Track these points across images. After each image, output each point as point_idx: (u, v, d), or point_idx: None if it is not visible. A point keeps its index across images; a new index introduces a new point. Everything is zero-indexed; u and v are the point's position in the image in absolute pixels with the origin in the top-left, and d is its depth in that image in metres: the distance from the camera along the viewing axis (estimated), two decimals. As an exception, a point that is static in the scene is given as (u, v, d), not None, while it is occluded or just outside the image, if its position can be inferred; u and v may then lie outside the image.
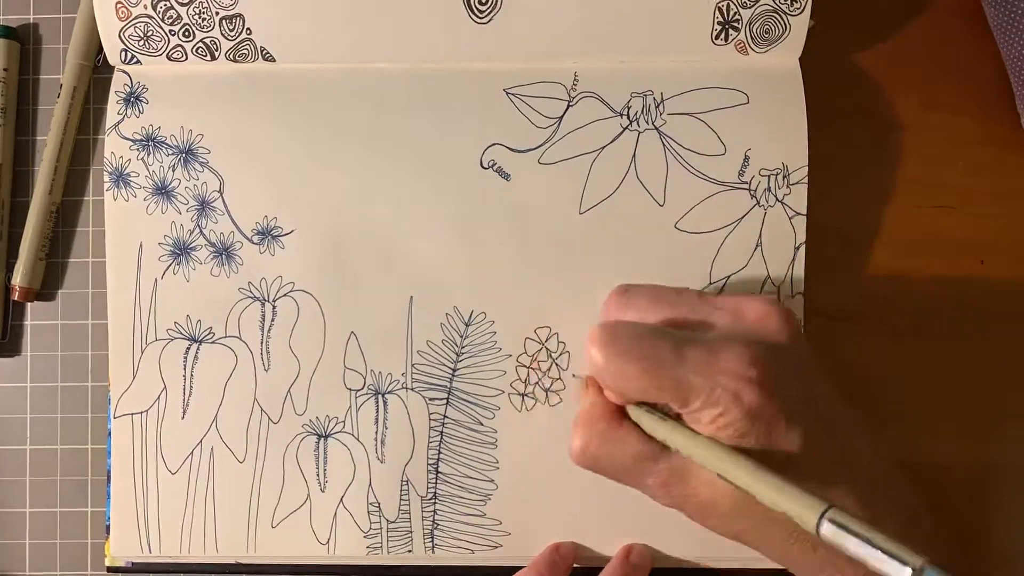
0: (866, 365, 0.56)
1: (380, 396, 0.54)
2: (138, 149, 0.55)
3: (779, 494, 0.39)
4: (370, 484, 0.54)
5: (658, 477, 0.45)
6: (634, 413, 0.45)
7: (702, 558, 0.54)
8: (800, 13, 0.53)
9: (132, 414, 0.55)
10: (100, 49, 0.56)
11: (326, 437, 0.54)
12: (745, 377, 0.42)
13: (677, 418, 0.44)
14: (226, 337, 0.55)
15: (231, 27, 0.54)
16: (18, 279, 0.57)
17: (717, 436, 0.42)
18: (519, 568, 0.53)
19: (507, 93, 0.55)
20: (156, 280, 0.55)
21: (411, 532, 0.54)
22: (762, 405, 0.42)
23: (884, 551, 0.36)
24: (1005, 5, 0.52)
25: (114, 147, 0.55)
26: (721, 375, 0.42)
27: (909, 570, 0.35)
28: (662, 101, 0.54)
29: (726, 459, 0.41)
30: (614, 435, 0.45)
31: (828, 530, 0.37)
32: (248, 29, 0.54)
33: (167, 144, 0.55)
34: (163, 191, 0.55)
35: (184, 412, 0.55)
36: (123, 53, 0.55)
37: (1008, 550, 0.56)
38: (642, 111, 0.54)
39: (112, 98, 0.55)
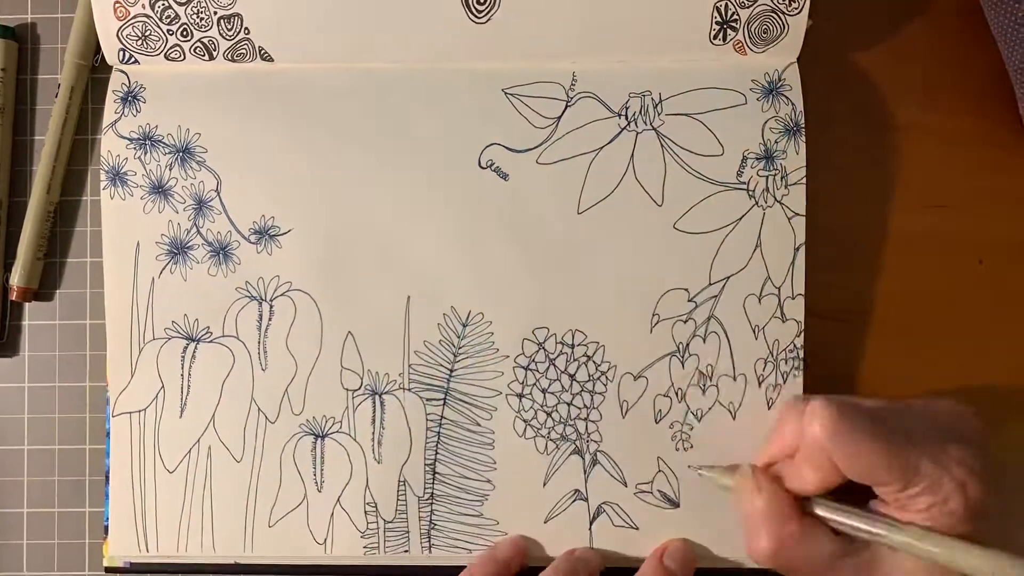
0: (866, 365, 0.56)
1: (377, 396, 0.54)
2: (135, 148, 0.55)
3: (998, 565, 0.42)
4: (367, 484, 0.54)
5: (853, 571, 0.46)
6: (822, 506, 0.46)
7: (699, 559, 0.54)
8: (798, 13, 0.53)
9: (130, 413, 0.55)
10: (98, 49, 0.56)
11: (323, 437, 0.54)
12: (972, 471, 0.43)
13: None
14: (223, 336, 0.55)
15: (229, 27, 0.54)
16: (16, 279, 0.57)
17: (926, 522, 0.44)
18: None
19: (505, 93, 0.55)
20: (153, 279, 0.55)
21: (408, 532, 0.54)
22: (981, 499, 0.43)
23: None
24: (1005, 8, 0.52)
25: (111, 146, 0.55)
26: (952, 465, 0.43)
27: None
28: (660, 101, 0.54)
29: (943, 543, 0.43)
30: (808, 535, 0.46)
31: None
32: (246, 29, 0.54)
33: (164, 143, 0.55)
34: (160, 190, 0.55)
35: (182, 411, 0.55)
36: (121, 53, 0.55)
37: (1008, 550, 0.56)
38: (640, 111, 0.54)
39: (109, 97, 0.55)
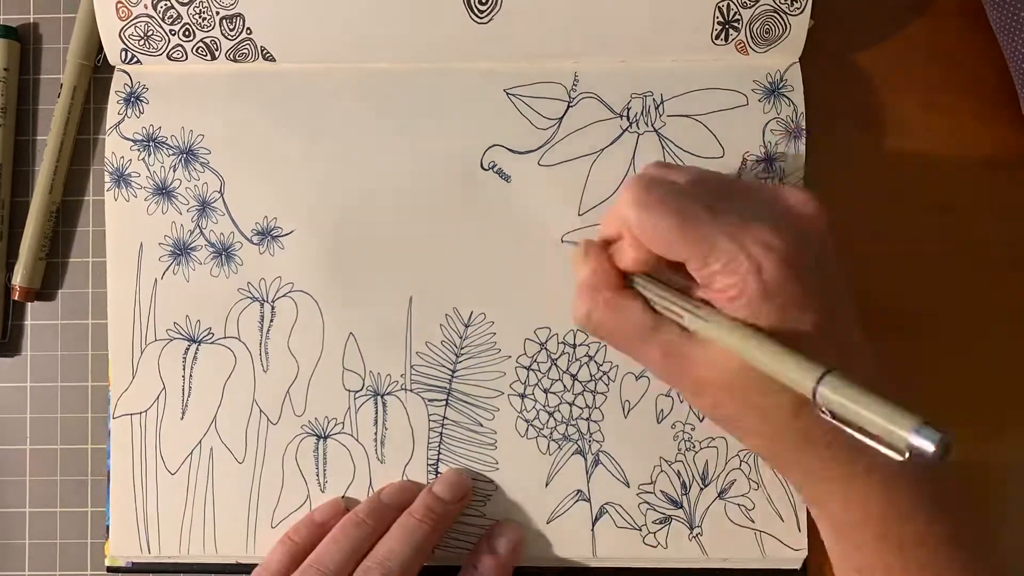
0: (866, 366, 0.56)
1: (379, 397, 0.54)
2: (139, 149, 0.55)
3: (779, 360, 0.39)
4: (370, 484, 0.54)
5: (658, 348, 0.45)
6: (640, 282, 0.46)
7: (700, 559, 0.54)
8: (800, 13, 0.53)
9: (132, 414, 0.55)
10: (100, 49, 0.56)
11: (325, 438, 0.54)
12: (771, 250, 0.42)
13: (683, 292, 0.45)
14: (225, 338, 0.55)
15: (231, 27, 0.54)
16: (18, 279, 0.57)
17: (726, 309, 0.43)
18: (519, 568, 0.54)
19: (507, 93, 0.55)
20: (156, 280, 0.55)
21: (411, 533, 0.54)
22: (780, 283, 0.41)
23: (880, 412, 0.36)
24: (1008, 8, 0.52)
25: (115, 147, 0.55)
26: (749, 243, 0.42)
27: (907, 430, 0.34)
28: (662, 102, 0.54)
29: (731, 328, 0.41)
30: (618, 303, 0.46)
31: (825, 392, 0.37)
32: (248, 29, 0.54)
33: (168, 144, 0.55)
34: (163, 191, 0.55)
35: (183, 412, 0.55)
36: (123, 53, 0.55)
37: (1008, 550, 0.56)
38: (642, 112, 0.54)
39: (112, 98, 0.56)
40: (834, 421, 0.38)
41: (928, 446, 0.34)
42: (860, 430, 0.38)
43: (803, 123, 0.54)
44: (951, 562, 0.45)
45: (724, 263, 0.42)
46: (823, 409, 0.38)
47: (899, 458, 0.35)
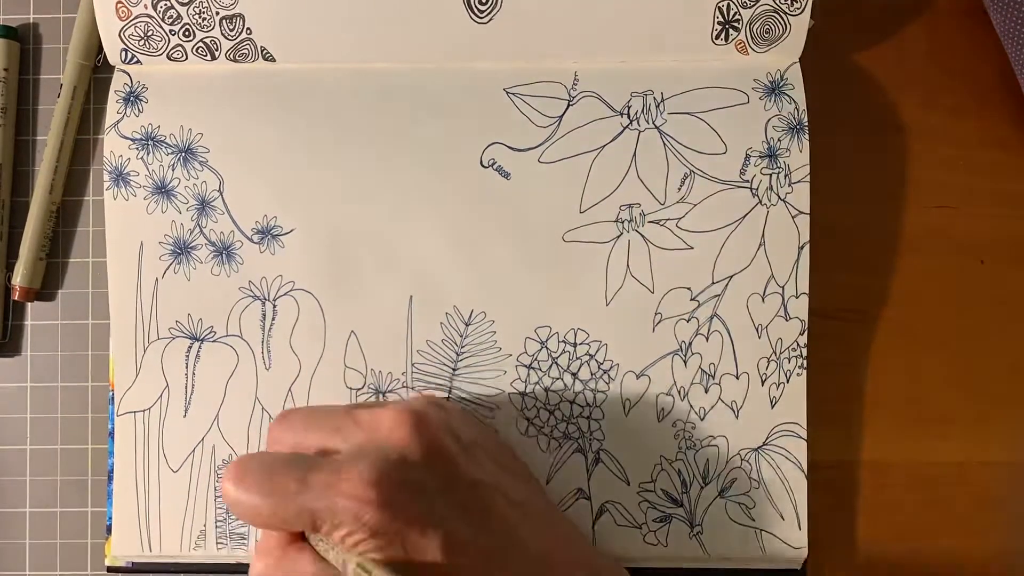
0: (866, 365, 0.56)
1: (380, 395, 0.54)
2: (137, 148, 0.55)
3: None
4: (370, 484, 0.54)
5: None
6: (312, 539, 0.45)
7: (701, 558, 0.54)
8: (800, 13, 0.53)
9: (135, 412, 0.55)
10: (100, 49, 0.56)
11: (327, 436, 0.54)
12: (364, 498, 0.42)
13: None
14: (227, 336, 0.55)
15: (231, 27, 0.55)
16: (18, 279, 0.57)
17: (354, 552, 0.43)
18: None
19: (507, 92, 0.55)
20: (157, 279, 0.55)
21: (412, 531, 0.54)
22: (384, 522, 0.42)
23: None
24: (1011, 8, 0.52)
25: (113, 146, 0.55)
26: (340, 498, 0.42)
27: None
28: (662, 100, 0.54)
29: (364, 570, 0.42)
30: (287, 560, 0.45)
31: None
32: (248, 29, 0.54)
33: (167, 143, 0.55)
34: (163, 190, 0.55)
35: (186, 411, 0.55)
36: (123, 53, 0.55)
37: (1008, 550, 0.56)
38: (642, 110, 0.54)
39: (112, 98, 0.55)
40: None
41: None
42: None
43: (805, 119, 0.54)
44: None
45: (329, 523, 0.42)
46: None
47: None
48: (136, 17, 0.54)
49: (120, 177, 0.55)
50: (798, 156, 0.54)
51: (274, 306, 0.55)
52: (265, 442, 0.53)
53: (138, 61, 0.56)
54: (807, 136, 0.54)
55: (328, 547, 0.44)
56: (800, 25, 0.53)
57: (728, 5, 0.53)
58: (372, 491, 0.42)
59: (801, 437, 0.54)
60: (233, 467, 0.44)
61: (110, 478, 0.55)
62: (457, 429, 0.48)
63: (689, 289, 0.54)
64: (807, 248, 0.54)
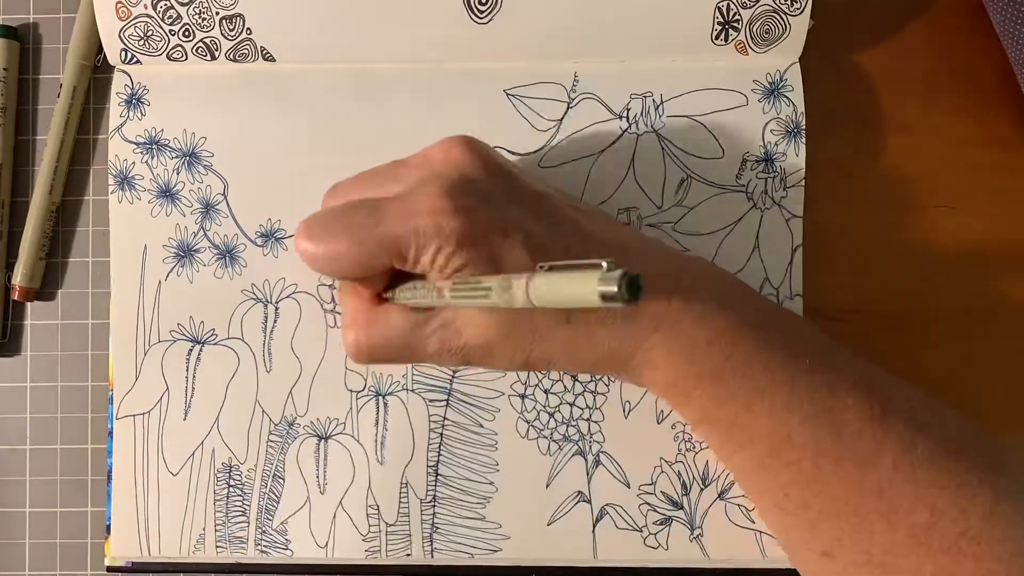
0: (866, 366, 0.56)
1: (381, 398, 0.54)
2: (142, 152, 0.55)
3: (505, 292, 0.39)
4: (369, 486, 0.54)
5: (435, 339, 0.45)
6: (393, 295, 0.45)
7: (701, 560, 0.54)
8: (800, 13, 0.53)
9: (134, 415, 0.55)
10: (100, 49, 0.56)
11: (327, 439, 0.54)
12: (441, 210, 0.42)
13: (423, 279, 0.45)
14: (228, 339, 0.55)
15: (231, 27, 0.54)
16: (18, 279, 0.57)
17: (447, 274, 0.43)
18: (519, 571, 0.54)
19: (507, 94, 0.55)
20: (160, 282, 0.55)
21: (410, 535, 0.54)
22: (466, 227, 0.42)
23: (577, 270, 0.35)
24: (1011, 7, 0.52)
25: (118, 150, 0.55)
26: (418, 218, 0.42)
27: (599, 276, 0.34)
28: (662, 103, 0.54)
29: (465, 288, 0.41)
30: (377, 318, 0.45)
31: (535, 288, 0.37)
32: (248, 29, 0.54)
33: (170, 147, 0.55)
34: (167, 194, 0.55)
35: (186, 413, 0.55)
36: (123, 53, 0.55)
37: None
38: (641, 113, 0.54)
39: (113, 100, 0.55)
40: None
41: (611, 288, 0.33)
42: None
43: (803, 123, 0.54)
44: (782, 367, 0.45)
45: (415, 246, 0.42)
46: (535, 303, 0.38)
47: (601, 304, 0.34)
48: (136, 17, 0.54)
49: (125, 180, 0.55)
50: (794, 160, 0.54)
51: (276, 309, 0.55)
52: (266, 452, 0.54)
53: (138, 61, 0.55)
54: (804, 140, 0.54)
55: (413, 291, 0.44)
56: (800, 25, 0.53)
57: (728, 5, 0.53)
58: (446, 202, 0.42)
59: (800, 438, 0.54)
60: (302, 226, 0.45)
61: (109, 479, 0.55)
62: (502, 156, 0.48)
63: (687, 291, 0.54)
64: (800, 250, 0.54)
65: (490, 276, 0.40)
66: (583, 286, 0.34)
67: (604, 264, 0.34)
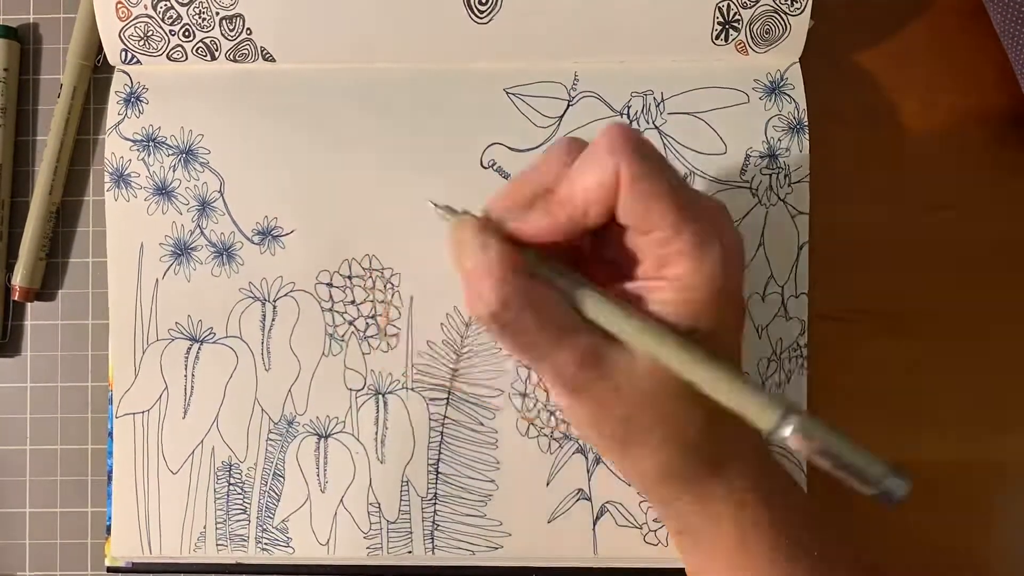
0: (866, 365, 0.56)
1: (380, 396, 0.54)
2: (138, 149, 0.55)
3: (739, 394, 0.37)
4: (370, 485, 0.54)
5: (574, 352, 0.39)
6: (547, 271, 0.40)
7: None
8: (800, 13, 0.53)
9: (134, 414, 0.55)
10: (100, 49, 0.56)
11: (326, 437, 0.54)
12: (734, 246, 0.39)
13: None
14: (227, 337, 0.55)
15: (231, 27, 0.54)
16: (18, 279, 0.57)
17: (660, 298, 0.39)
18: (520, 569, 0.54)
19: (507, 93, 0.55)
20: (157, 280, 0.55)
21: (411, 533, 0.54)
22: (734, 285, 0.39)
23: (852, 460, 0.36)
24: (1011, 7, 0.52)
25: (114, 147, 0.55)
26: (723, 231, 0.39)
27: (881, 476, 0.34)
28: (662, 100, 0.54)
29: (678, 346, 0.38)
30: (537, 294, 0.39)
31: (797, 433, 0.36)
32: (248, 29, 0.54)
33: (167, 144, 0.55)
34: (164, 191, 0.55)
35: (185, 412, 0.55)
36: (123, 53, 0.55)
37: (1008, 550, 0.56)
38: (642, 110, 0.54)
39: (112, 98, 0.55)
40: (815, 457, 0.38)
41: (900, 490, 0.34)
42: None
43: (805, 119, 0.54)
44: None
45: (695, 244, 0.38)
46: (785, 443, 0.37)
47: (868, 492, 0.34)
48: (136, 17, 0.54)
49: (121, 178, 0.55)
50: (798, 156, 0.54)
51: (274, 307, 0.55)
52: (265, 450, 0.54)
53: (138, 61, 0.56)
54: (807, 136, 0.54)
55: (575, 288, 0.40)
56: (800, 25, 0.53)
57: (728, 5, 0.53)
58: (729, 219, 0.40)
59: (801, 437, 0.53)
60: (627, 130, 0.39)
61: (109, 479, 0.55)
62: None
63: (689, 289, 0.54)
64: (807, 248, 0.54)
65: (730, 374, 0.38)
66: (867, 468, 0.36)
67: (885, 466, 0.35)
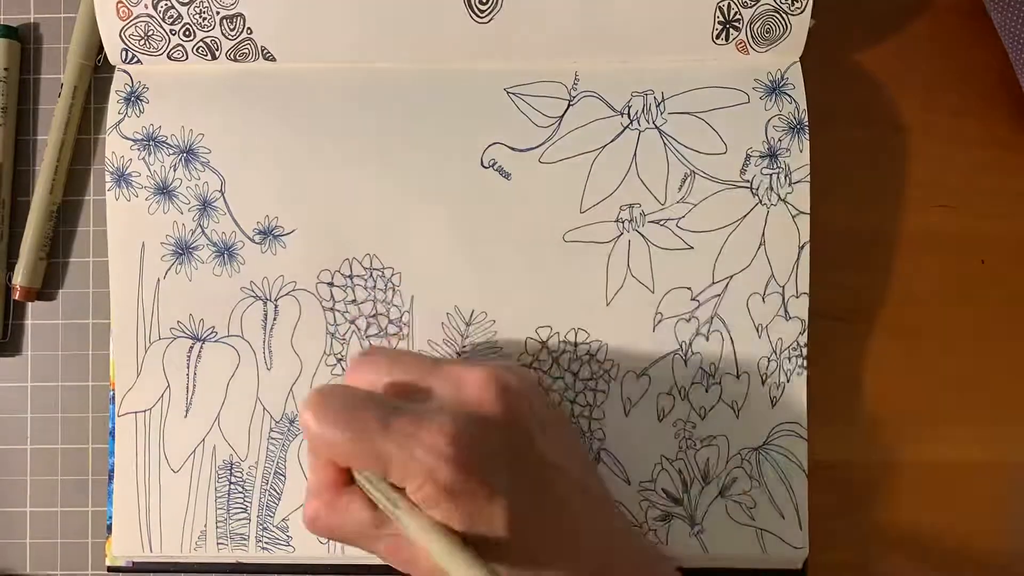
0: (866, 365, 0.56)
1: (381, 395, 0.54)
2: (139, 149, 0.55)
3: (451, 559, 0.40)
4: (371, 484, 0.54)
5: (386, 543, 0.44)
6: (359, 479, 0.44)
7: (701, 557, 0.54)
8: (801, 13, 0.53)
9: (135, 412, 0.55)
10: (101, 48, 0.56)
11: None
12: (442, 454, 0.41)
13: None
14: (228, 336, 0.55)
15: (232, 26, 0.54)
16: (19, 279, 0.57)
17: (423, 508, 0.42)
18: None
19: (508, 92, 0.55)
20: (158, 280, 0.55)
21: (412, 532, 0.54)
22: (456, 483, 0.41)
23: None
24: (1012, 7, 0.52)
25: (115, 147, 0.55)
26: (419, 448, 0.41)
27: None
28: (663, 100, 0.54)
29: (427, 532, 0.41)
30: (339, 505, 0.44)
31: None
32: (249, 29, 0.54)
33: (168, 144, 0.55)
34: (164, 191, 0.55)
35: (187, 411, 0.55)
36: (124, 52, 0.55)
37: (1009, 550, 0.56)
38: (643, 110, 0.54)
39: (112, 98, 0.55)
40: None
41: None
42: None
43: (806, 119, 0.54)
44: None
45: (401, 471, 0.42)
46: None
47: None
48: (136, 17, 0.54)
49: (122, 177, 0.55)
50: (798, 156, 0.54)
51: (275, 306, 0.55)
52: (267, 449, 0.54)
53: (138, 61, 0.56)
54: (807, 136, 0.54)
55: (376, 491, 0.43)
56: (801, 25, 0.53)
57: (729, 5, 0.53)
58: (451, 448, 0.41)
59: (802, 437, 0.54)
60: (315, 397, 0.43)
61: (111, 478, 0.55)
62: (535, 404, 0.47)
63: (689, 289, 0.54)
64: (807, 248, 0.54)
65: (449, 536, 0.41)
66: None
67: None
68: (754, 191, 0.54)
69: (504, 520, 0.42)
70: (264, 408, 0.54)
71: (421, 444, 0.41)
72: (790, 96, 0.54)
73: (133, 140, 0.55)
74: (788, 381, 0.54)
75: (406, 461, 0.41)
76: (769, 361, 0.54)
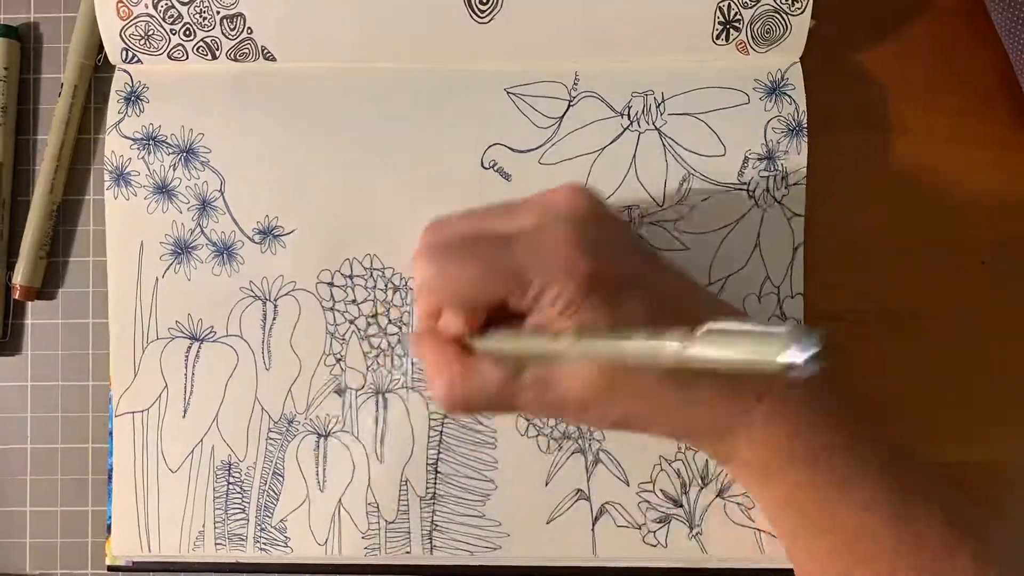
0: (866, 365, 0.56)
1: (380, 395, 0.54)
2: (138, 148, 0.55)
3: (640, 342, 0.38)
4: (369, 484, 0.54)
5: (529, 392, 0.43)
6: (485, 346, 0.43)
7: (700, 559, 0.54)
8: (801, 13, 0.53)
9: (133, 412, 0.55)
10: (101, 48, 0.56)
11: (326, 436, 0.54)
12: (571, 248, 0.41)
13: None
14: (227, 336, 0.55)
15: (232, 26, 0.54)
16: (19, 278, 0.57)
17: (562, 321, 0.41)
18: (519, 568, 0.54)
19: (508, 93, 0.55)
20: (157, 279, 0.55)
21: (409, 533, 0.54)
22: (595, 270, 0.41)
23: (755, 335, 0.35)
24: (1012, 8, 0.52)
25: (114, 146, 0.55)
26: (549, 252, 0.41)
27: (781, 343, 0.33)
28: (663, 101, 0.54)
29: (581, 340, 0.40)
30: (471, 368, 0.43)
31: (700, 345, 0.36)
32: (249, 28, 0.54)
33: (167, 143, 0.55)
34: (164, 190, 0.55)
35: (185, 411, 0.55)
36: (124, 52, 0.55)
37: (1010, 549, 0.56)
38: (643, 111, 0.54)
39: (113, 97, 0.56)
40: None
41: (801, 356, 0.33)
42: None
43: (805, 121, 0.54)
44: (865, 463, 0.45)
45: (540, 279, 0.41)
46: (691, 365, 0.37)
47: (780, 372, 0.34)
48: (137, 16, 0.54)
49: (121, 177, 0.55)
50: (796, 159, 0.54)
51: (275, 306, 0.55)
52: (265, 450, 0.54)
53: (139, 60, 0.56)
54: (806, 139, 0.54)
55: (509, 340, 0.43)
56: (801, 25, 0.53)
57: (729, 5, 0.53)
58: (577, 242, 0.41)
59: (800, 437, 0.54)
60: (424, 245, 0.44)
61: (110, 478, 0.55)
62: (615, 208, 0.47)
63: (688, 289, 0.54)
64: (802, 249, 0.54)
65: (631, 327, 0.39)
66: (762, 351, 0.34)
67: (785, 330, 0.33)
68: (751, 193, 0.54)
69: (645, 300, 0.42)
70: (263, 408, 0.54)
71: (549, 248, 0.41)
72: (790, 97, 0.54)
73: (133, 139, 0.55)
74: (787, 381, 0.54)
75: (542, 265, 0.41)
76: (768, 362, 0.54)
